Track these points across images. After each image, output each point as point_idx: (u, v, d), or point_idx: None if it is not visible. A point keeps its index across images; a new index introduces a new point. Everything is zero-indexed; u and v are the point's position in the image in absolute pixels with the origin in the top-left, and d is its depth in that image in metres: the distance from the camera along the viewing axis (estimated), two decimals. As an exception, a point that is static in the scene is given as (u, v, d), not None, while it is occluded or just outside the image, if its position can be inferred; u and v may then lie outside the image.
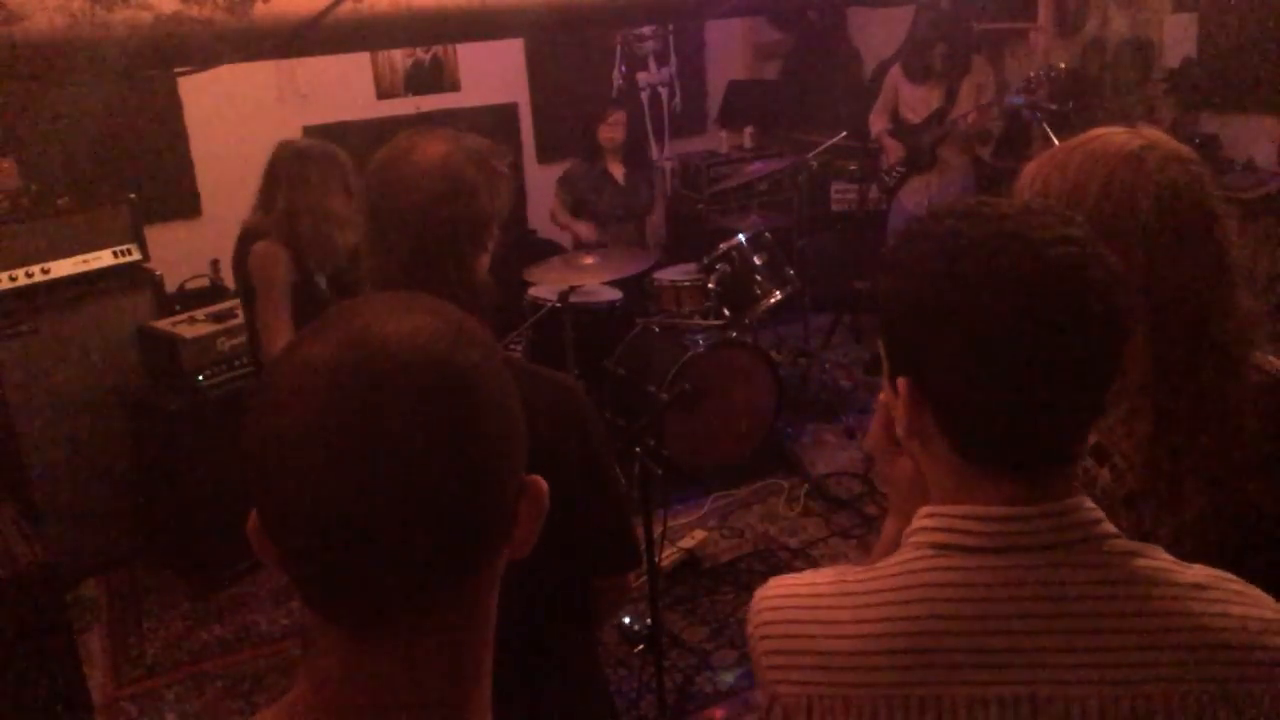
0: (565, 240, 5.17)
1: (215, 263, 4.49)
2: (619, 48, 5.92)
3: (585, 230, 4.76)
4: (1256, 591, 0.88)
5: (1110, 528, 0.87)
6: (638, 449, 2.55)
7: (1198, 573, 0.87)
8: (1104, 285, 0.83)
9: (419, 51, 5.38)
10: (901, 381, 0.88)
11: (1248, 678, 0.82)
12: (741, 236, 4.19)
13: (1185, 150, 1.18)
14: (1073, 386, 0.84)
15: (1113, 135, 1.20)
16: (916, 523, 0.90)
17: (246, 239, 2.92)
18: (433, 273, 1.37)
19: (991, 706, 0.82)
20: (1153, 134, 1.20)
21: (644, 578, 2.53)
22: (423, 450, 0.63)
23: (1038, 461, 0.86)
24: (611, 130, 4.75)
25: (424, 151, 1.40)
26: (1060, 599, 0.83)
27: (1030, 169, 1.25)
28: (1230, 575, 0.89)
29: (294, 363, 0.65)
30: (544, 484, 0.73)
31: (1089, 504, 0.87)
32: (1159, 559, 0.87)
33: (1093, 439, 1.13)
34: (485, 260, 1.46)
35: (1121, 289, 0.84)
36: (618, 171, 4.85)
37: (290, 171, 2.91)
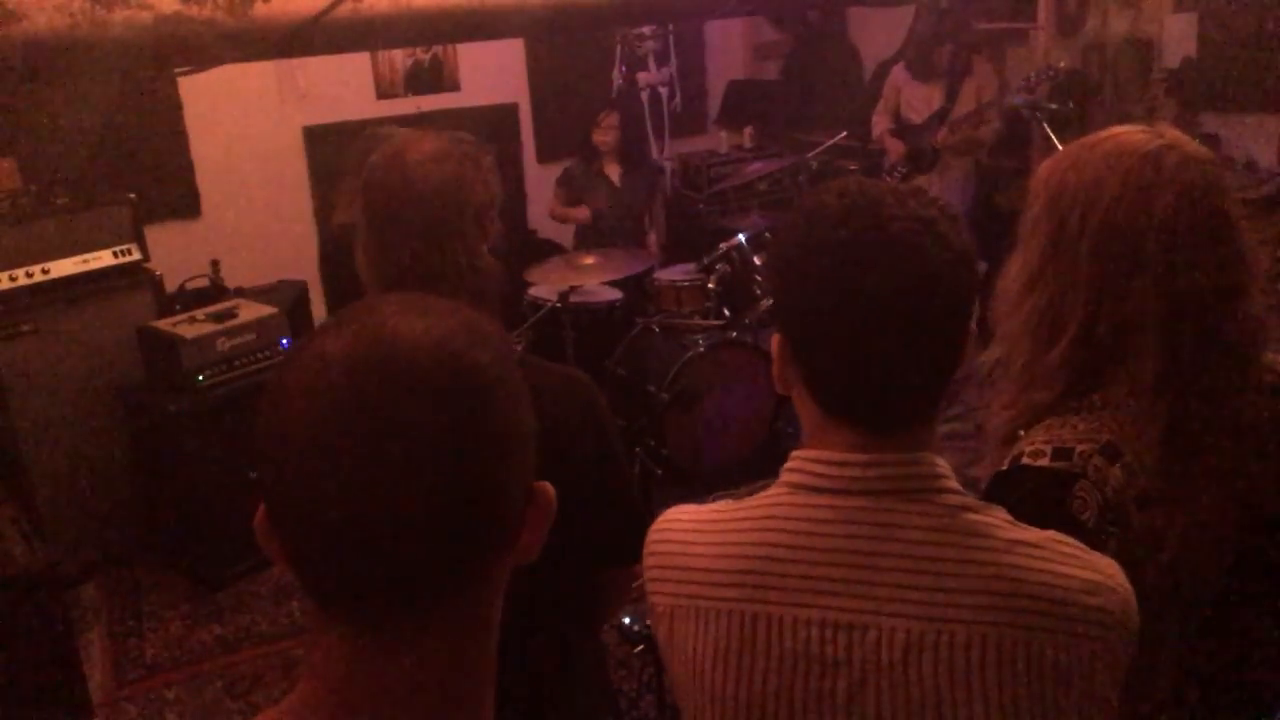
0: (566, 240, 5.17)
1: (215, 263, 4.49)
2: (619, 48, 5.91)
3: (581, 214, 4.77)
4: (1093, 556, 0.94)
5: (952, 484, 0.95)
6: (638, 449, 2.54)
7: (1031, 533, 0.94)
8: (941, 262, 0.91)
9: (419, 51, 5.38)
10: (775, 336, 1.01)
11: (1052, 629, 0.88)
12: (741, 236, 4.18)
13: (1204, 151, 1.18)
14: (905, 353, 0.92)
15: (1131, 134, 1.19)
16: (786, 464, 1.00)
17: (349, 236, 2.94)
18: (445, 260, 1.38)
19: (814, 628, 0.92)
20: (1172, 134, 1.19)
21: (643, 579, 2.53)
22: (434, 448, 0.63)
23: (878, 418, 0.95)
24: (604, 133, 4.77)
25: (418, 148, 1.42)
26: (888, 539, 0.92)
27: (1047, 166, 1.24)
28: (1068, 539, 0.95)
29: (309, 356, 0.66)
30: (552, 490, 0.73)
31: (937, 461, 0.95)
32: (991, 516, 0.94)
33: (1104, 437, 1.13)
34: (486, 247, 1.48)
35: (962, 270, 0.92)
36: (614, 172, 4.85)
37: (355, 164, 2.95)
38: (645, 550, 1.05)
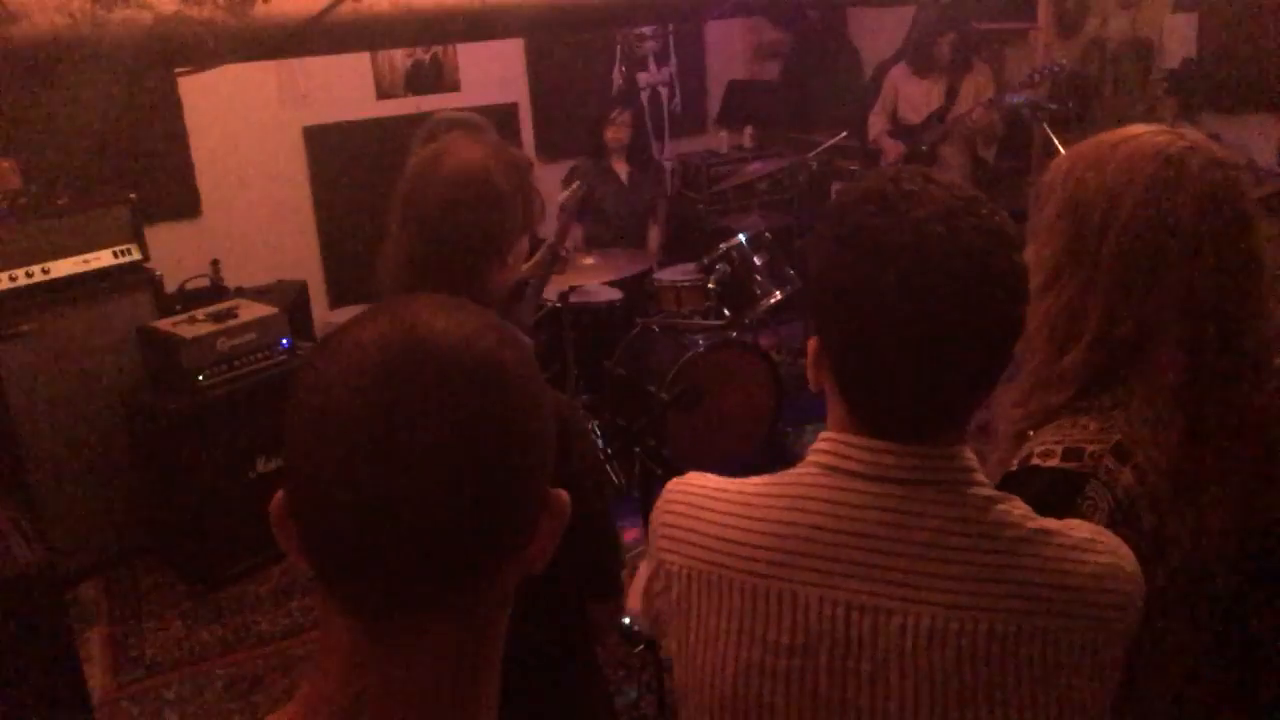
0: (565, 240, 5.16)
1: (215, 263, 4.49)
2: (619, 48, 5.91)
3: (575, 237, 4.71)
4: (1106, 538, 0.96)
5: (980, 478, 0.95)
6: (638, 449, 2.54)
7: (1049, 522, 0.95)
8: (987, 267, 0.88)
9: (419, 51, 5.38)
10: (811, 340, 1.00)
11: (1071, 615, 0.91)
12: (741, 236, 4.19)
13: (1224, 153, 1.17)
14: (944, 368, 0.90)
15: (1152, 136, 1.17)
16: (815, 444, 1.00)
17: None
18: (442, 276, 1.37)
19: (839, 608, 0.93)
20: (1192, 135, 1.18)
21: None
22: (459, 439, 0.64)
23: (909, 431, 0.94)
24: (618, 131, 4.76)
25: (458, 155, 1.40)
26: (916, 528, 0.92)
27: (1063, 164, 1.23)
28: (1081, 523, 0.97)
29: (344, 344, 0.67)
30: (567, 498, 0.74)
31: (968, 454, 0.95)
32: (1015, 507, 0.95)
33: (1115, 438, 1.12)
34: (504, 275, 1.44)
35: (1011, 276, 0.90)
36: (622, 170, 4.85)
37: (429, 133, 3.05)
38: (660, 508, 1.05)
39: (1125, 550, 0.96)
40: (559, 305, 3.78)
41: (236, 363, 3.54)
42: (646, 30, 5.87)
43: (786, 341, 4.96)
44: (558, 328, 3.81)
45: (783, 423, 4.23)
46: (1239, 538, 1.16)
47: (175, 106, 4.78)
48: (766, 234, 4.27)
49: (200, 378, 3.44)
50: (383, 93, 5.35)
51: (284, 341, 3.67)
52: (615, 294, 4.28)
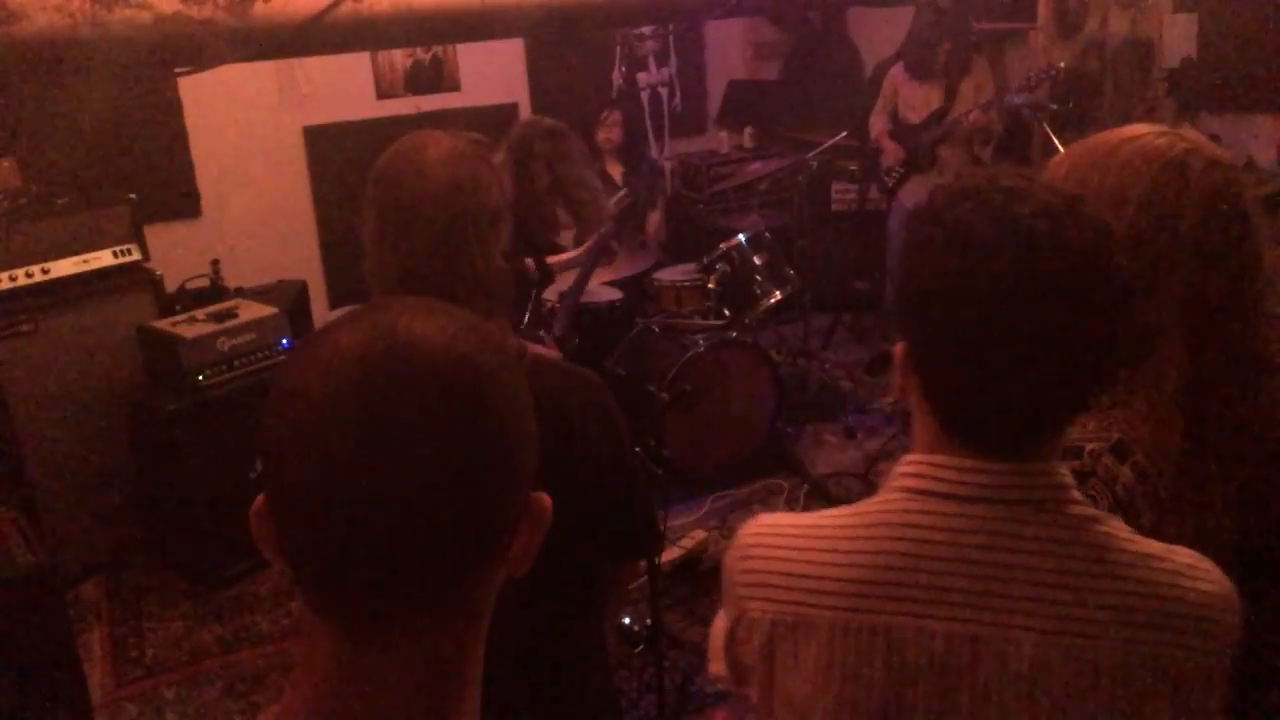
0: (566, 240, 5.16)
1: (215, 263, 4.49)
2: (619, 48, 5.91)
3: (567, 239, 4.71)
4: (1207, 565, 0.93)
5: (1076, 494, 0.91)
6: (638, 449, 2.54)
7: (1152, 545, 0.92)
8: (1081, 262, 0.84)
9: (419, 51, 5.38)
10: (899, 346, 0.94)
11: (1180, 644, 0.87)
12: (741, 236, 4.19)
13: (1224, 155, 1.16)
14: (1042, 380, 0.86)
15: (1154, 138, 1.17)
16: (898, 468, 0.96)
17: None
18: (456, 264, 1.36)
19: (937, 640, 0.88)
20: (1193, 137, 1.17)
21: (644, 578, 2.53)
22: (438, 445, 0.64)
23: (1005, 446, 0.90)
24: (608, 131, 4.76)
25: (435, 147, 1.40)
26: (1015, 550, 0.88)
27: (1062, 165, 1.22)
28: (1182, 549, 0.94)
29: (322, 347, 0.67)
30: (549, 502, 0.74)
31: (1062, 470, 0.91)
32: (1116, 528, 0.91)
33: (1114, 436, 1.12)
34: (498, 249, 1.46)
35: (1112, 282, 0.86)
36: (615, 171, 4.85)
37: (546, 147, 3.13)
38: (736, 556, 0.99)
39: (1223, 574, 0.93)
40: (559, 305, 3.77)
41: (236, 363, 3.54)
42: (646, 30, 5.86)
43: (787, 341, 4.96)
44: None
45: (783, 423, 4.23)
46: (1239, 539, 1.16)
47: (175, 106, 4.78)
48: (766, 234, 4.27)
49: (200, 378, 3.44)
50: (383, 93, 5.35)
51: (284, 341, 3.67)
52: (615, 294, 4.27)
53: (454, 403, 0.65)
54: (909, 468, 0.94)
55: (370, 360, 0.65)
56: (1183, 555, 0.92)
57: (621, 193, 4.60)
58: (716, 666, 1.04)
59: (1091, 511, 0.91)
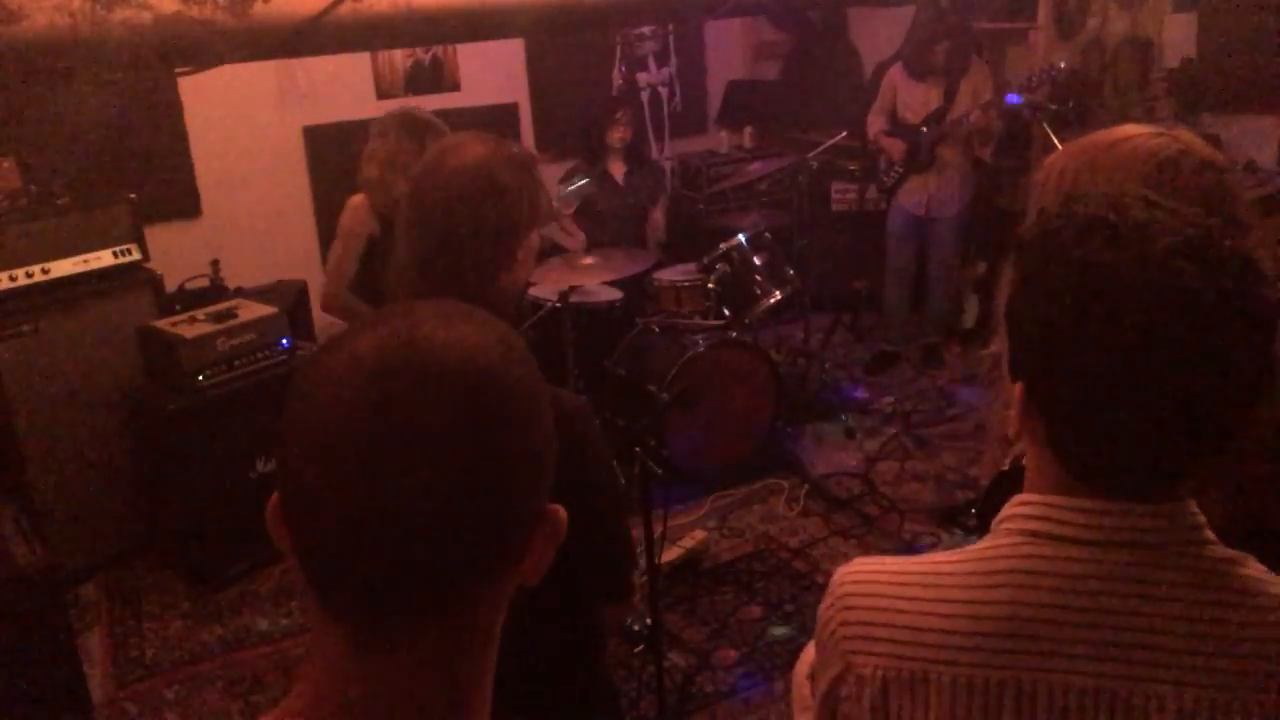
0: (565, 240, 5.17)
1: (215, 262, 4.49)
2: (619, 48, 5.91)
3: (577, 242, 4.71)
4: None
5: (1210, 535, 0.86)
6: (638, 449, 2.54)
7: None
8: (1228, 303, 0.78)
9: (419, 51, 5.38)
10: (1017, 385, 0.88)
11: None
12: (741, 236, 4.19)
13: (1218, 156, 1.16)
14: (1182, 425, 0.80)
15: (1146, 138, 1.17)
16: (1009, 510, 0.90)
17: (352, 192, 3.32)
18: (450, 276, 1.35)
19: (1071, 695, 0.82)
20: (1186, 137, 1.17)
21: (644, 578, 2.53)
22: (451, 458, 0.63)
23: (1136, 490, 0.84)
24: (623, 131, 4.75)
25: (463, 152, 1.38)
26: (1149, 598, 0.82)
27: (1056, 163, 1.22)
28: None
29: (340, 353, 0.66)
30: (564, 514, 0.73)
31: (1193, 509, 0.85)
32: (1254, 569, 0.86)
33: None
34: (514, 274, 1.42)
35: (1266, 313, 0.79)
36: (618, 171, 4.85)
37: (380, 128, 3.23)
38: (834, 604, 0.93)
39: None
40: (559, 305, 3.78)
41: (236, 363, 3.54)
42: (646, 30, 5.87)
43: (787, 341, 4.96)
44: (558, 328, 3.80)
45: (783, 422, 4.24)
46: (1238, 540, 1.15)
47: (175, 106, 4.78)
48: (766, 234, 4.27)
49: (200, 378, 3.44)
50: (383, 93, 5.35)
51: (284, 341, 3.67)
52: (615, 294, 4.28)
53: (470, 415, 0.64)
54: (1028, 509, 0.88)
55: (387, 369, 0.64)
56: None
57: (582, 181, 4.58)
58: (805, 719, 0.98)
59: (1229, 553, 0.86)
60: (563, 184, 4.89)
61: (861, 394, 4.79)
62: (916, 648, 0.86)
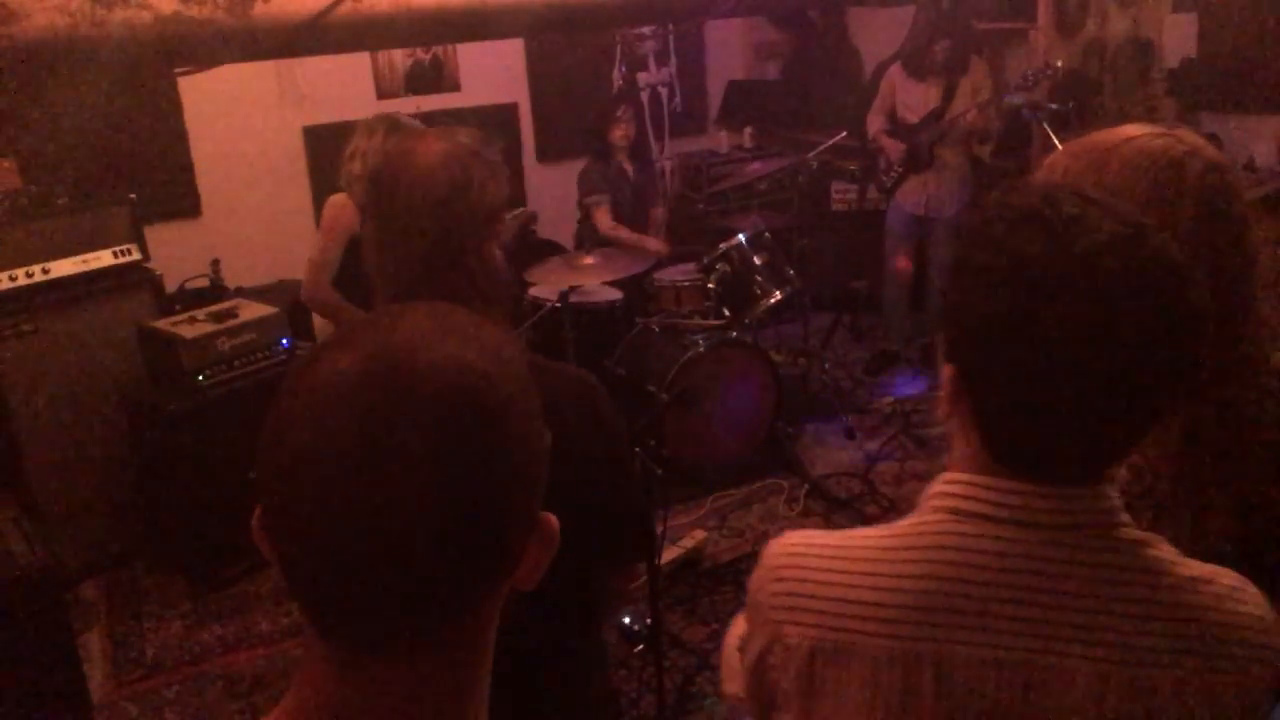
0: (565, 241, 5.16)
1: (215, 262, 4.50)
2: (619, 48, 5.91)
3: (655, 244, 4.74)
4: (1249, 588, 0.92)
5: (1126, 518, 0.89)
6: (638, 449, 2.54)
7: (1199, 567, 0.91)
8: (1153, 301, 0.81)
9: (419, 51, 5.38)
10: (947, 368, 0.91)
11: (1236, 670, 0.86)
12: (741, 236, 4.19)
13: (1222, 158, 1.16)
14: (1104, 408, 0.83)
15: (1152, 139, 1.16)
16: (937, 487, 0.92)
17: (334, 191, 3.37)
18: (454, 263, 1.37)
19: (988, 667, 0.85)
20: (1190, 138, 1.17)
21: (644, 578, 2.53)
22: (437, 480, 0.61)
23: (1057, 475, 0.87)
24: (626, 128, 4.75)
25: (427, 149, 1.40)
26: (1067, 577, 0.86)
27: (1058, 163, 1.21)
28: (1227, 571, 0.92)
29: (321, 369, 0.64)
30: (556, 523, 0.71)
31: (1110, 493, 0.89)
32: (1164, 551, 0.90)
33: None
34: (495, 247, 1.47)
35: (1189, 312, 0.82)
36: (630, 168, 4.85)
37: (368, 128, 3.30)
38: (767, 575, 0.95)
39: (1260, 597, 0.92)
40: (559, 305, 3.78)
41: (236, 363, 3.54)
42: (646, 30, 5.86)
43: (787, 341, 4.96)
44: (558, 328, 3.80)
45: (783, 422, 4.24)
46: (1237, 540, 1.15)
47: (175, 106, 4.78)
48: (766, 234, 4.27)
49: (200, 378, 3.44)
50: (383, 93, 5.36)
51: (284, 341, 3.67)
52: (615, 294, 4.27)
53: (456, 436, 0.62)
54: (953, 487, 0.91)
55: (367, 389, 0.62)
56: (1228, 578, 0.91)
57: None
58: (733, 688, 1.00)
59: (1141, 535, 0.89)
60: (585, 183, 4.85)
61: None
62: (842, 618, 0.89)
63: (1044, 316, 0.80)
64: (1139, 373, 0.81)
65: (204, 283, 4.42)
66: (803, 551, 0.94)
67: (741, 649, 0.99)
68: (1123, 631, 0.85)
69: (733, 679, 1.00)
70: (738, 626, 1.03)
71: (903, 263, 4.87)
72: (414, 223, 1.37)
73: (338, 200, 3.33)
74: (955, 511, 0.90)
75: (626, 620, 3.11)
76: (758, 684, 0.95)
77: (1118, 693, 0.84)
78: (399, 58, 5.37)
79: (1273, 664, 0.88)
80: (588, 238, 4.43)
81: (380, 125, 3.28)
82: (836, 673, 0.89)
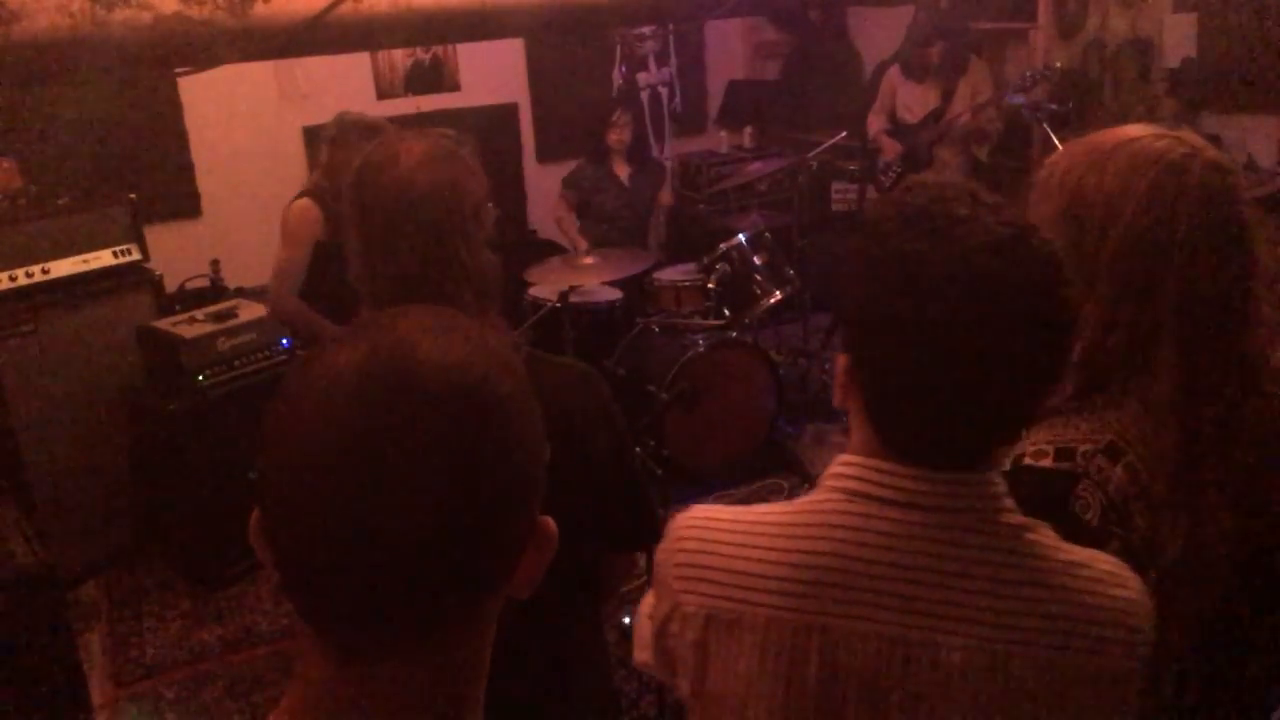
0: (566, 241, 5.17)
1: (215, 262, 4.49)
2: (619, 48, 5.92)
3: (580, 245, 4.71)
4: (1125, 572, 0.96)
5: (1009, 503, 0.93)
6: (638, 449, 2.55)
7: (1078, 552, 0.95)
8: (1029, 287, 0.85)
9: (419, 51, 5.38)
10: (841, 357, 0.96)
11: (1102, 651, 0.90)
12: (741, 236, 4.19)
13: (1223, 159, 1.16)
14: (980, 395, 0.87)
15: (1153, 140, 1.16)
16: (834, 468, 0.96)
17: (296, 197, 3.35)
18: (449, 260, 1.37)
19: (870, 640, 0.89)
20: (1192, 140, 1.17)
21: (644, 578, 2.53)
22: (437, 481, 0.61)
23: (941, 459, 0.91)
24: (620, 132, 4.75)
25: (408, 152, 1.40)
26: (947, 557, 0.90)
27: (1060, 164, 1.21)
28: (1105, 555, 0.96)
29: (321, 368, 0.64)
30: (554, 527, 0.71)
31: (998, 480, 0.93)
32: (1044, 536, 0.94)
33: (1108, 437, 1.12)
34: (485, 244, 1.47)
35: (1053, 295, 0.86)
36: (623, 172, 4.85)
37: (336, 134, 3.25)
38: (671, 546, 0.99)
39: (1136, 581, 0.95)
40: (559, 305, 3.78)
41: (236, 363, 3.54)
42: (646, 30, 5.87)
43: (787, 341, 4.96)
44: (558, 328, 3.80)
45: (783, 422, 4.23)
46: (1235, 540, 1.15)
47: (175, 106, 4.78)
48: (766, 234, 4.27)
49: (200, 378, 3.44)
50: (383, 93, 5.36)
51: (284, 341, 3.67)
52: (615, 294, 4.27)
53: (456, 436, 0.62)
54: (847, 469, 0.95)
55: (367, 389, 0.62)
56: (1104, 563, 0.95)
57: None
58: (644, 655, 1.04)
59: (1023, 520, 0.93)
60: (568, 185, 4.86)
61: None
62: (736, 589, 0.93)
63: (926, 311, 0.85)
64: (1015, 365, 0.86)
65: (204, 283, 4.42)
66: (704, 524, 0.99)
67: (651, 617, 1.03)
68: (998, 611, 0.89)
69: (644, 647, 1.04)
70: (650, 595, 1.06)
71: None
72: (405, 223, 1.37)
73: (300, 206, 3.31)
74: (848, 492, 0.94)
75: (626, 620, 3.11)
76: (661, 651, 1.00)
77: (989, 669, 0.88)
78: (399, 58, 5.37)
79: (1135, 647, 0.91)
80: None
81: (350, 131, 3.20)
82: (729, 641, 0.93)
